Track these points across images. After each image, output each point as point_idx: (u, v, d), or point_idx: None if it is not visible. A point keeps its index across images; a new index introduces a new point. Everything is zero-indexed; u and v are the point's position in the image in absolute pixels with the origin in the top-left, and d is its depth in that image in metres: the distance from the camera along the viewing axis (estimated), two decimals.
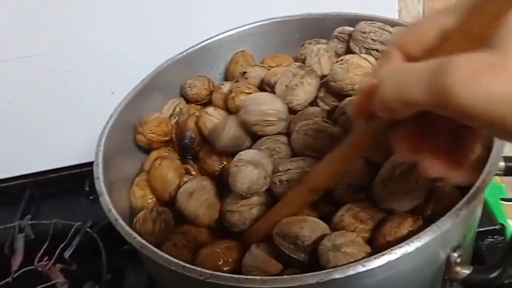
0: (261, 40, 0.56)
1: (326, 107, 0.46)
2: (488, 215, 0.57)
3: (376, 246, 0.35)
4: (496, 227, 0.54)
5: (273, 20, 0.56)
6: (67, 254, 0.61)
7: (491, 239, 0.54)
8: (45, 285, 0.58)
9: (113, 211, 0.38)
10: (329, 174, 0.34)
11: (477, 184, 0.33)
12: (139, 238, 0.36)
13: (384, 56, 0.27)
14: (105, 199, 0.39)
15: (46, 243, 0.62)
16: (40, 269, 0.60)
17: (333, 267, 0.33)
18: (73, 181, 0.69)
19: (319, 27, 0.54)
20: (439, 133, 0.27)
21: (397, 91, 0.24)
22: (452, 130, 0.26)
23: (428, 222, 0.34)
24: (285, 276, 0.31)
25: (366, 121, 0.29)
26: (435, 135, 0.27)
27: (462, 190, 0.35)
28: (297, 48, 0.54)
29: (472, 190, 0.33)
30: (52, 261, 0.60)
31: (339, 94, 0.45)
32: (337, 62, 0.45)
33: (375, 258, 0.31)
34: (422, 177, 0.36)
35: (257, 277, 0.31)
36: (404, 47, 0.26)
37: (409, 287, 0.36)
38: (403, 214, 0.36)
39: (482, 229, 0.53)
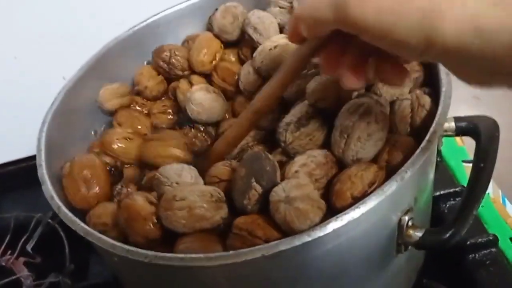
0: (211, 13, 0.54)
1: None
2: (449, 178, 0.57)
3: (339, 190, 0.34)
4: (457, 189, 0.54)
5: None
6: (29, 247, 0.60)
7: (453, 202, 0.54)
8: (9, 279, 0.57)
9: (56, 198, 0.37)
10: (267, 98, 0.38)
11: (422, 145, 0.33)
12: (83, 224, 0.35)
13: None
14: (47, 187, 0.38)
15: (8, 237, 0.61)
16: (3, 263, 0.59)
17: (283, 218, 0.32)
18: (31, 173, 0.67)
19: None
20: (355, 52, 0.31)
21: (310, 10, 0.29)
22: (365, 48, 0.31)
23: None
24: (230, 252, 0.30)
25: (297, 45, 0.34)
26: (352, 53, 0.32)
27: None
28: None
29: (417, 151, 0.33)
30: (15, 254, 0.59)
31: None
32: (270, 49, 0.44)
33: (320, 227, 0.30)
34: (380, 116, 0.36)
35: (202, 255, 0.30)
36: None
37: (362, 253, 0.36)
38: (368, 162, 0.36)
39: (443, 192, 0.53)
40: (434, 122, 0.34)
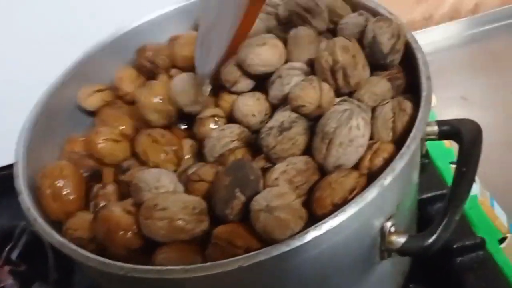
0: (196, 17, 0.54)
1: None
2: (438, 180, 0.56)
3: (319, 197, 0.34)
4: (446, 191, 0.53)
5: None
6: (14, 255, 0.59)
7: (441, 204, 0.53)
8: None
9: (32, 210, 0.36)
10: None
11: (401, 151, 0.32)
12: (58, 237, 0.34)
13: None
14: (24, 199, 0.37)
15: None
16: None
17: (263, 228, 0.31)
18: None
19: None
20: None
21: None
22: None
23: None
24: (207, 264, 0.30)
25: None
26: None
27: None
28: None
29: (396, 157, 0.32)
30: (0, 263, 0.58)
31: None
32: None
33: (299, 236, 0.30)
34: (361, 122, 0.35)
35: (178, 267, 0.30)
36: None
37: (345, 260, 0.35)
38: (349, 169, 0.35)
39: (431, 194, 0.53)
40: (414, 127, 0.33)
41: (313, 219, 0.32)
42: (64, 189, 0.39)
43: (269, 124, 0.39)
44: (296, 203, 0.32)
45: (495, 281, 0.47)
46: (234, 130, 0.42)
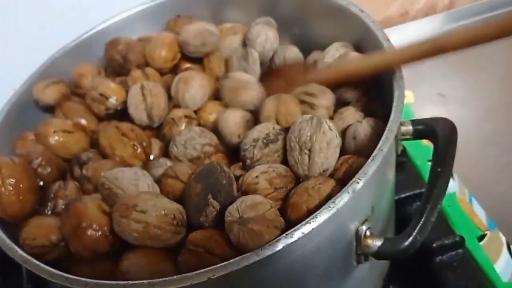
0: (163, 19, 0.52)
1: None
2: (416, 178, 0.56)
3: (295, 202, 0.33)
4: (424, 190, 0.52)
5: None
6: None
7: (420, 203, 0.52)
8: None
9: None
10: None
11: (373, 153, 0.31)
12: (21, 252, 0.33)
13: None
14: None
15: None
16: None
17: (237, 240, 0.31)
18: None
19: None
20: None
21: None
22: None
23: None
24: (174, 277, 0.29)
25: None
26: None
27: None
28: None
29: (368, 161, 0.31)
30: None
31: None
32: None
33: (270, 245, 0.29)
34: (329, 123, 0.35)
35: (145, 281, 0.29)
36: None
37: (320, 266, 0.34)
38: (326, 177, 0.35)
39: (409, 193, 0.52)
40: (386, 129, 0.32)
41: (289, 225, 0.31)
42: (2, 190, 0.35)
43: (253, 135, 0.38)
44: (271, 213, 0.31)
45: (475, 279, 0.46)
46: (214, 139, 0.42)
